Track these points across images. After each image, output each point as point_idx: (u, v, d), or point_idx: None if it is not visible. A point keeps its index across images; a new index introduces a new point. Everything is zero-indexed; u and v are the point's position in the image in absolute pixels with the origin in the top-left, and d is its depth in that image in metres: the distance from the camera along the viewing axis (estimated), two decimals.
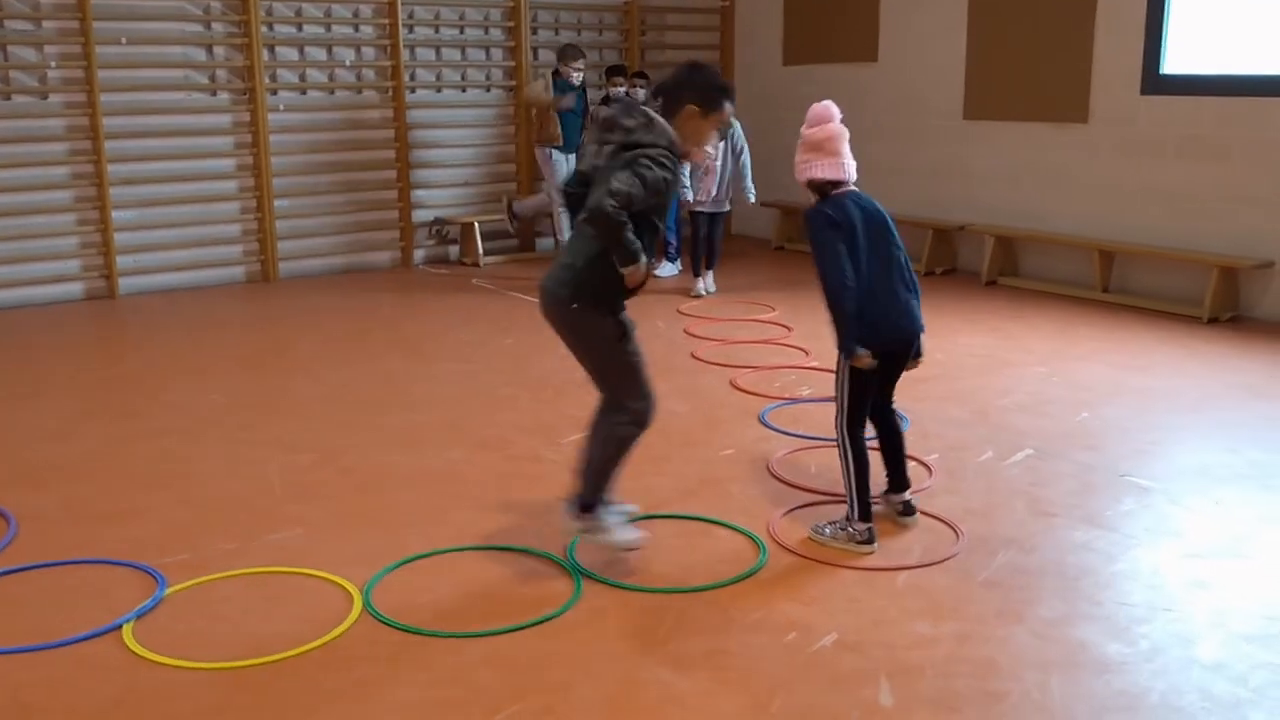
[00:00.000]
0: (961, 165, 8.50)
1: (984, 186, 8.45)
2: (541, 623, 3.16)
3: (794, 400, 5.27)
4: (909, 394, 5.30)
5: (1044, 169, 8.06)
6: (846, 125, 3.64)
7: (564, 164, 8.51)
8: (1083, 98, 7.71)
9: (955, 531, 3.75)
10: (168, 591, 3.36)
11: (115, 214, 7.74)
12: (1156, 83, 7.33)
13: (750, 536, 3.74)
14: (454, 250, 9.26)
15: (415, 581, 3.45)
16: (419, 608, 3.27)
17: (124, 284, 7.86)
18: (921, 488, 4.15)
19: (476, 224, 9.00)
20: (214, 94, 8.10)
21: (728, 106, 3.46)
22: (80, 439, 4.86)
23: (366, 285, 8.37)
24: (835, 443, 3.67)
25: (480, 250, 8.99)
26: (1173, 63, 7.27)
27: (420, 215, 9.06)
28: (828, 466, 4.42)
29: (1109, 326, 6.80)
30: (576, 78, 8.45)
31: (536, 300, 3.50)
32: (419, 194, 9.02)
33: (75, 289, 7.77)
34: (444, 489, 4.25)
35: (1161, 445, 4.70)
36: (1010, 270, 8.25)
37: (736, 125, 7.42)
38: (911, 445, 4.61)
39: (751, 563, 3.53)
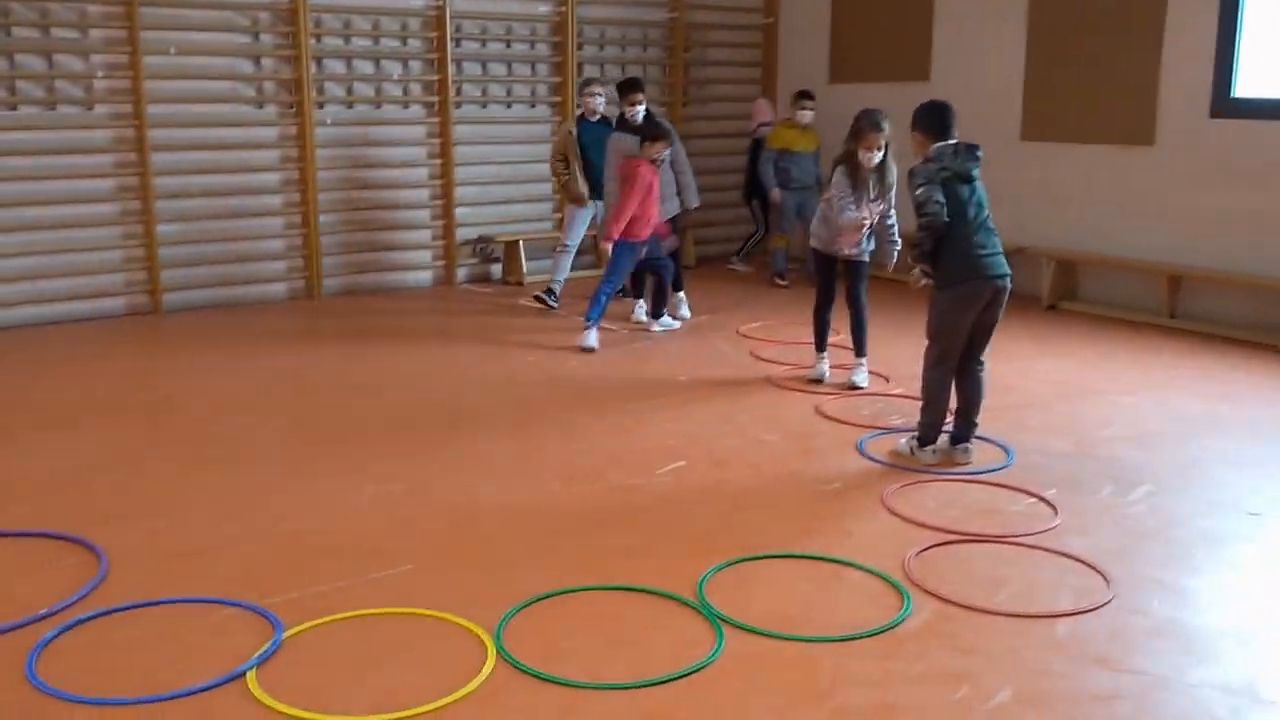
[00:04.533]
0: (1018, 187, 8.31)
1: (1041, 209, 8.28)
2: (692, 673, 2.96)
3: (889, 430, 5.07)
4: (1007, 423, 5.15)
5: (1107, 192, 7.89)
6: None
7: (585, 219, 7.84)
8: (1149, 119, 7.55)
9: (1103, 577, 3.56)
10: (285, 635, 3.15)
11: (160, 228, 7.54)
12: (1227, 105, 7.18)
13: (886, 579, 3.54)
14: (496, 269, 9.06)
15: (542, 624, 3.25)
16: (553, 654, 3.07)
17: (167, 299, 7.66)
18: (1049, 527, 3.98)
19: (521, 242, 8.85)
20: (260, 106, 7.92)
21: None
22: (147, 468, 4.63)
23: (410, 304, 8.17)
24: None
25: (524, 270, 8.82)
26: (1245, 85, 7.13)
27: (463, 233, 8.87)
28: (947, 502, 4.24)
29: (1181, 354, 6.63)
30: (598, 104, 7.63)
31: (998, 286, 4.51)
32: (462, 211, 8.83)
33: (117, 304, 7.56)
34: (543, 522, 4.05)
35: (1278, 480, 4.53)
36: (1070, 294, 8.08)
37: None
38: (1022, 479, 4.47)
39: (895, 608, 3.34)
